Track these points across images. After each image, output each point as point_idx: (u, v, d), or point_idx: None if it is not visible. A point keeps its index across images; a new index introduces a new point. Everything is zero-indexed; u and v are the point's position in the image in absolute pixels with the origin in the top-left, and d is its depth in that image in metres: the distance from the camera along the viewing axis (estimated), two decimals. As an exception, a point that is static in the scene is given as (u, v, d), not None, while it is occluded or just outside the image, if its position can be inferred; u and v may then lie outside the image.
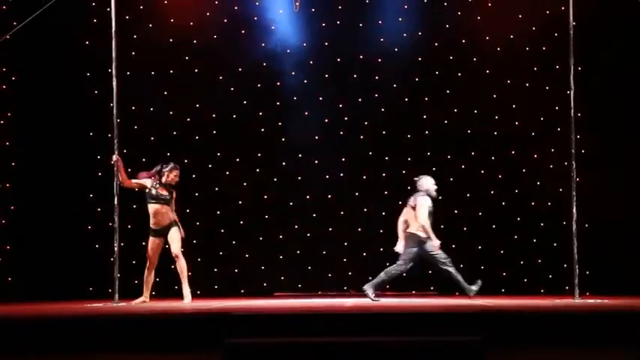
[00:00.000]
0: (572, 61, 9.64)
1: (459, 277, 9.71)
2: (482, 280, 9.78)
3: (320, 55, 12.20)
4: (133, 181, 9.87)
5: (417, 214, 9.74)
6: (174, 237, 9.88)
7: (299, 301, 9.83)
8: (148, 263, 9.93)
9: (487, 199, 12.00)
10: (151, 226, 9.91)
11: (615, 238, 11.49)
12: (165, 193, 9.92)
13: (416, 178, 10.00)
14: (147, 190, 9.91)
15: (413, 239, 9.78)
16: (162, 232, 9.89)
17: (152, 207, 9.89)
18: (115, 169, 9.57)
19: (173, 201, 9.99)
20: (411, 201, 9.86)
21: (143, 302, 9.84)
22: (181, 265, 9.90)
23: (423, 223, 9.68)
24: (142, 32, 11.94)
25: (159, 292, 11.51)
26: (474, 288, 9.69)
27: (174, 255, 9.91)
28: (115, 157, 9.57)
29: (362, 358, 6.18)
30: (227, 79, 12.14)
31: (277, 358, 6.22)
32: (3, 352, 6.57)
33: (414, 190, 9.94)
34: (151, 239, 9.91)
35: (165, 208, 9.89)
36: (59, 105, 11.64)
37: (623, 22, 11.47)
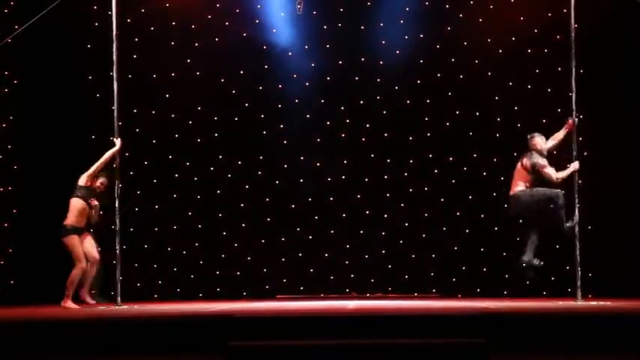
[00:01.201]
0: (573, 64, 9.62)
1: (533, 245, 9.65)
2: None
3: (321, 57, 12.19)
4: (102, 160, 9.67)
5: (544, 175, 9.62)
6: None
7: (301, 304, 9.82)
8: (78, 262, 9.65)
9: (489, 201, 11.98)
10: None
11: (618, 240, 11.46)
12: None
13: (529, 136, 9.88)
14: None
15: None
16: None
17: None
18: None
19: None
20: (525, 161, 9.73)
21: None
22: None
23: (558, 178, 9.61)
24: (143, 35, 11.93)
25: (160, 295, 11.52)
26: (535, 262, 9.58)
27: (95, 259, 9.98)
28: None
29: (364, 361, 6.18)
30: (228, 81, 12.13)
31: (279, 360, 6.23)
32: (5, 356, 6.56)
33: (527, 149, 9.84)
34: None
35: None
36: (61, 108, 11.63)
37: (625, 24, 11.44)
